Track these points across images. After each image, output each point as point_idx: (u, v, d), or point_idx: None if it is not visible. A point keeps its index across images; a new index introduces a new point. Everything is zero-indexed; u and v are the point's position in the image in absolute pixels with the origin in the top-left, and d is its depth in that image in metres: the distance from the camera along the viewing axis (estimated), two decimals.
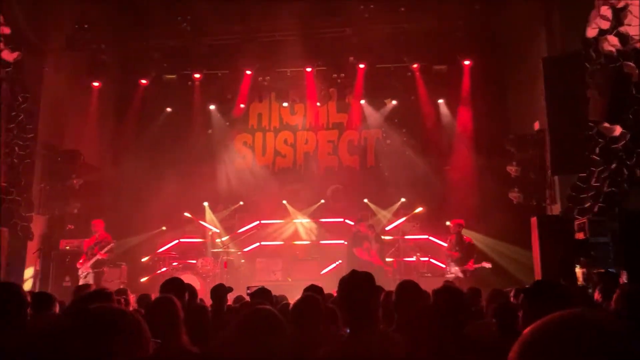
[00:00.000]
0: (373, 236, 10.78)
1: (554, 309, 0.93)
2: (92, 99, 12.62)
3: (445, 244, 10.70)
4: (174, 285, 4.59)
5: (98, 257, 9.97)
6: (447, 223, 10.85)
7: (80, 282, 9.72)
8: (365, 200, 12.76)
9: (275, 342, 2.07)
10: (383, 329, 2.68)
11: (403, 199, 12.50)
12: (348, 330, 2.70)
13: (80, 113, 12.33)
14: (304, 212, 12.99)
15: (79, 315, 1.28)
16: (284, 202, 13.00)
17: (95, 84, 12.58)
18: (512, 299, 5.36)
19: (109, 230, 11.03)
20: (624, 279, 6.08)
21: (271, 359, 2.03)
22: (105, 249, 10.05)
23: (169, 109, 13.81)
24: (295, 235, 12.90)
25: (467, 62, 12.44)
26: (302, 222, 12.91)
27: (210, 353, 2.96)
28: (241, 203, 13.17)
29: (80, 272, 10.09)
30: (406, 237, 11.73)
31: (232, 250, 12.19)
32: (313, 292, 3.52)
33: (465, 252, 10.12)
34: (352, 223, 11.80)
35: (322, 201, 13.07)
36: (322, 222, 12.89)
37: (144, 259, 12.27)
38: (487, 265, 10.00)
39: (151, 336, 2.94)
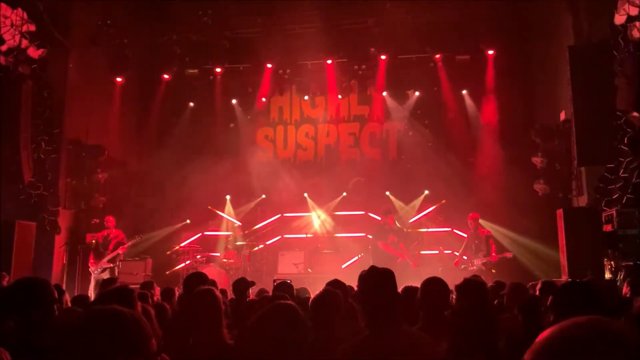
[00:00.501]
0: (396, 229, 10.69)
1: (582, 312, 0.91)
2: (116, 94, 12.78)
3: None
4: (197, 279, 4.64)
5: (119, 251, 10.05)
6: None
7: (94, 279, 9.83)
8: (387, 193, 12.68)
9: (295, 337, 2.05)
10: (406, 327, 2.62)
11: (426, 192, 12.39)
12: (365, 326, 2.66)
13: (104, 108, 12.50)
14: (326, 206, 12.97)
15: (80, 318, 1.28)
16: (305, 195, 13.01)
17: (119, 79, 12.73)
18: (537, 292, 5.27)
19: (136, 223, 11.23)
20: None
21: (290, 354, 2.01)
22: (130, 243, 10.15)
23: (191, 104, 13.91)
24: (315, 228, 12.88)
25: (490, 52, 12.22)
26: (319, 215, 12.88)
27: (244, 347, 2.97)
28: (263, 196, 13.21)
29: (92, 269, 9.99)
30: (429, 229, 11.62)
31: (255, 243, 12.25)
32: (334, 286, 3.48)
33: (483, 245, 10.04)
34: (376, 217, 11.71)
35: (344, 194, 13.04)
36: (343, 215, 12.85)
37: (168, 252, 12.40)
38: (509, 255, 9.92)
39: (191, 329, 2.96)
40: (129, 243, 10.16)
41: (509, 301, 4.84)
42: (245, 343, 2.48)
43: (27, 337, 2.81)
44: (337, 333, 2.79)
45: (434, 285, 3.12)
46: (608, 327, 0.85)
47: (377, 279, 2.55)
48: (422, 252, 11.25)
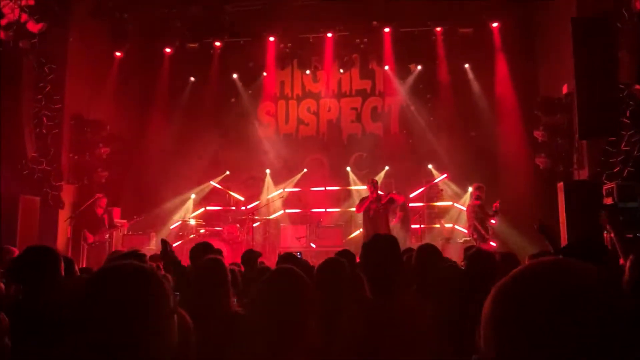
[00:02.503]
0: (400, 204, 10.70)
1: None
2: (117, 69, 12.71)
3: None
4: (203, 250, 4.72)
5: (120, 228, 10.48)
6: (469, 189, 10.83)
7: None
8: (386, 168, 12.68)
9: (299, 300, 2.09)
10: (404, 292, 2.69)
11: (430, 166, 12.42)
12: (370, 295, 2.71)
13: (105, 83, 12.45)
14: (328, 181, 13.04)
15: (104, 270, 1.31)
16: (304, 170, 13.07)
17: (118, 53, 12.66)
18: None
19: (138, 198, 11.43)
20: None
21: (295, 318, 2.06)
22: (130, 224, 10.72)
23: (192, 79, 13.85)
24: (318, 202, 12.91)
25: (495, 25, 12.11)
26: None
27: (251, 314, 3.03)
28: (268, 171, 13.27)
29: (90, 241, 10.37)
30: (431, 203, 11.69)
31: (257, 217, 12.33)
32: (344, 257, 3.52)
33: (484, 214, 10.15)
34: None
35: (349, 169, 13.10)
36: (345, 189, 12.93)
37: (172, 227, 12.49)
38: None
39: (201, 297, 3.02)
40: (129, 224, 10.77)
41: (499, 271, 4.94)
42: (251, 310, 2.53)
43: (34, 302, 2.89)
44: (342, 301, 2.84)
45: (428, 251, 3.25)
46: (574, 267, 0.88)
47: (381, 245, 2.60)
48: (423, 226, 11.32)
